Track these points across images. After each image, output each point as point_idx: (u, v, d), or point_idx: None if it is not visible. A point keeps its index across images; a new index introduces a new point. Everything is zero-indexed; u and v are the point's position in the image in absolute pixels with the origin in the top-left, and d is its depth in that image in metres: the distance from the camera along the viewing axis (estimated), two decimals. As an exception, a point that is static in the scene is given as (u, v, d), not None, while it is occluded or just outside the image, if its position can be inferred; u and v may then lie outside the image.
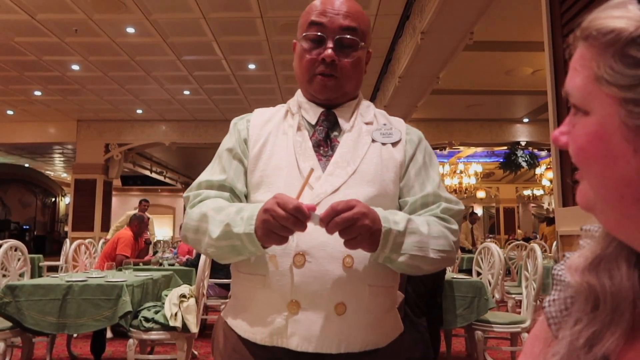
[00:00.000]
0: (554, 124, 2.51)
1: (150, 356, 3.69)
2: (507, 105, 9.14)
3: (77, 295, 3.03)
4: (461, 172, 12.47)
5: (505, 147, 10.51)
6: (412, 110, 7.38)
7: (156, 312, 3.17)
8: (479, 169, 12.31)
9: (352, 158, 1.05)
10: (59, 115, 10.13)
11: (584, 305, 0.44)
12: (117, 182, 12.82)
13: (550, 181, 10.76)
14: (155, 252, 7.72)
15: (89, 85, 8.18)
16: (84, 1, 5.36)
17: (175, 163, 15.05)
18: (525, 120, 10.09)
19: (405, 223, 0.94)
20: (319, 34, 1.06)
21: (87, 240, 5.12)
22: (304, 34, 1.09)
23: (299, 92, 1.16)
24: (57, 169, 17.36)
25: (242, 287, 1.05)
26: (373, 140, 1.08)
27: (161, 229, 18.25)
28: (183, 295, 3.22)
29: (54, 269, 7.11)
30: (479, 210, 17.25)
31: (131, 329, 3.16)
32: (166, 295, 3.32)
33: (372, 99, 8.04)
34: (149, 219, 6.15)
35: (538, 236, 13.40)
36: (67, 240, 7.26)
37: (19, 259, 3.71)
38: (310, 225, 0.88)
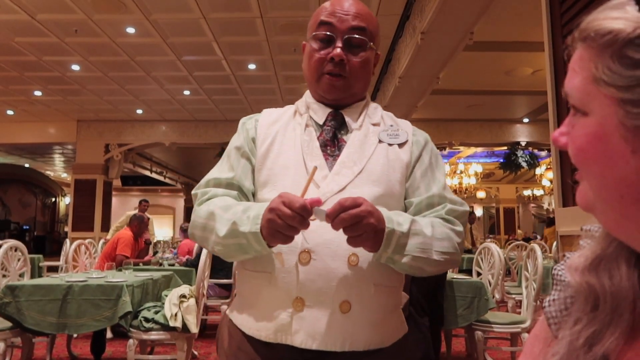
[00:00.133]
0: (554, 124, 2.51)
1: (150, 356, 3.69)
2: (507, 105, 9.14)
3: (77, 296, 3.03)
4: (461, 172, 12.47)
5: (505, 147, 10.51)
6: (412, 111, 7.39)
7: (156, 313, 3.17)
8: (479, 169, 12.31)
9: (359, 158, 1.05)
10: (59, 116, 10.13)
11: (584, 305, 0.44)
12: (117, 183, 12.83)
13: (550, 181, 10.76)
14: (155, 253, 7.72)
15: (89, 85, 8.19)
16: (84, 1, 5.36)
17: (175, 163, 15.05)
18: (525, 120, 10.09)
19: (409, 224, 0.94)
20: (328, 33, 1.07)
21: (87, 241, 5.12)
22: (313, 34, 1.10)
23: (307, 93, 1.17)
24: (57, 169, 17.37)
25: (248, 284, 1.06)
26: (380, 141, 1.09)
27: (161, 229, 18.25)
28: (183, 296, 3.22)
29: (54, 269, 7.12)
30: (479, 211, 17.26)
31: (131, 329, 3.16)
32: (166, 296, 3.32)
33: (372, 99, 8.04)
34: (148, 219, 6.15)
35: (538, 236, 13.41)
36: (67, 241, 7.26)
37: (19, 259, 3.71)
38: (316, 222, 0.89)
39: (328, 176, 1.03)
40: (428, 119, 9.51)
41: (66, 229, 15.15)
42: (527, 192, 16.72)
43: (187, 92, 8.59)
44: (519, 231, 16.47)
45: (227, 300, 4.83)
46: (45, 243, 18.62)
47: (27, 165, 16.44)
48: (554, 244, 5.39)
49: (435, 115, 9.43)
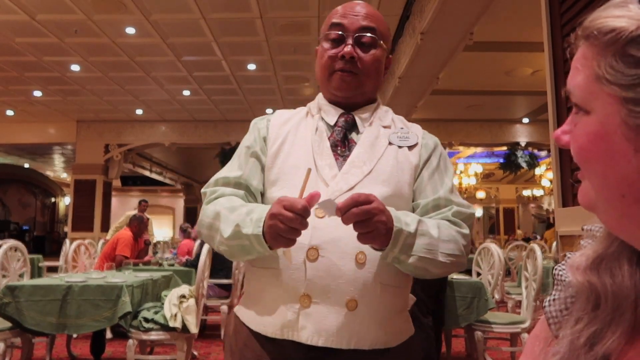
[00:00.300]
0: (553, 125, 2.51)
1: (150, 357, 3.68)
2: (506, 105, 9.15)
3: (76, 296, 3.03)
4: (461, 172, 12.47)
5: (505, 148, 10.51)
6: (412, 111, 7.39)
7: (156, 313, 3.17)
8: (478, 169, 12.31)
9: (369, 158, 1.07)
10: (59, 116, 10.13)
11: (585, 305, 0.44)
12: (116, 183, 12.83)
13: (550, 182, 10.77)
14: (154, 253, 7.72)
15: (88, 85, 8.18)
16: (84, 2, 5.36)
17: (175, 163, 15.04)
18: (525, 120, 10.09)
19: (416, 224, 0.95)
20: (339, 32, 1.10)
21: (86, 241, 5.12)
22: (324, 34, 1.13)
23: (319, 95, 1.19)
24: (57, 170, 17.36)
25: (256, 281, 1.07)
26: (390, 143, 1.11)
27: (161, 230, 18.24)
28: (183, 296, 3.21)
29: (53, 270, 7.11)
30: (479, 211, 17.26)
31: (131, 329, 3.16)
32: (166, 296, 3.32)
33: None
34: (148, 219, 6.15)
35: (538, 237, 13.40)
36: (67, 241, 7.25)
37: (18, 260, 3.70)
38: (324, 220, 0.90)
39: (337, 175, 1.04)
40: (428, 119, 9.51)
41: (66, 229, 15.14)
42: (526, 193, 16.71)
43: (186, 93, 8.59)
44: (518, 231, 16.47)
45: (227, 301, 4.83)
46: (44, 243, 18.61)
47: (26, 165, 16.43)
48: (554, 244, 5.39)
49: (435, 115, 9.43)
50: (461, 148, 11.09)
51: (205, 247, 3.47)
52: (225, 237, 0.98)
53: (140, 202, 7.67)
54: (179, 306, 3.13)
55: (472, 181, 12.46)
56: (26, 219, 19.21)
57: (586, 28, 0.42)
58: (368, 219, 0.87)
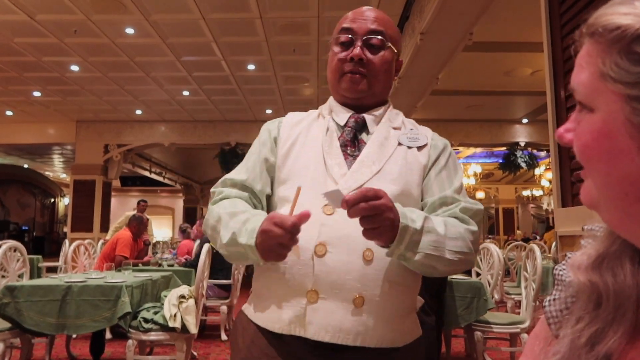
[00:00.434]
0: (553, 125, 2.51)
1: (150, 357, 3.68)
2: (506, 105, 9.15)
3: (76, 296, 3.03)
4: (460, 172, 12.45)
5: (505, 148, 10.51)
6: (412, 111, 7.39)
7: (155, 313, 3.17)
8: (478, 169, 12.32)
9: (378, 158, 1.08)
10: (58, 116, 10.12)
11: (586, 304, 0.43)
12: (116, 183, 12.81)
13: (550, 182, 10.77)
14: (154, 253, 7.71)
15: (88, 86, 8.18)
16: (83, 2, 5.36)
17: (175, 164, 15.03)
18: (525, 120, 10.09)
19: (422, 222, 0.94)
20: (349, 36, 1.13)
21: (86, 241, 5.11)
22: (334, 38, 1.16)
23: (331, 98, 1.21)
24: (56, 170, 17.35)
25: (264, 277, 1.07)
26: (399, 144, 1.12)
27: (160, 230, 18.24)
28: (182, 296, 3.21)
29: (53, 270, 7.10)
30: (478, 211, 17.22)
31: (130, 329, 3.15)
32: (165, 296, 3.32)
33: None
34: (147, 219, 6.15)
35: (538, 237, 13.40)
36: (66, 241, 7.25)
37: (18, 260, 3.70)
38: (333, 217, 0.89)
39: (347, 174, 1.06)
40: (427, 119, 9.50)
41: (65, 229, 15.13)
42: (526, 193, 16.73)
43: (186, 93, 8.59)
44: (518, 231, 16.48)
45: (227, 301, 4.83)
46: (44, 244, 18.61)
47: (26, 165, 16.42)
48: (553, 244, 5.39)
49: (434, 115, 9.43)
50: (461, 148, 11.09)
51: (205, 248, 3.47)
52: (224, 243, 1.02)
53: (139, 202, 7.66)
54: (178, 306, 3.13)
55: (472, 181, 12.46)
56: (25, 220, 19.20)
57: (591, 25, 0.41)
58: (375, 215, 0.86)
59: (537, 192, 15.47)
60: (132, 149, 10.67)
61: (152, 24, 5.84)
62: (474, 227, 1.03)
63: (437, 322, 3.15)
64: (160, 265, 5.54)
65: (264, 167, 1.14)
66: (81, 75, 7.67)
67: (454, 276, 3.60)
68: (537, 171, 11.61)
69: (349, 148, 1.11)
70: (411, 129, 1.16)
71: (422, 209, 1.09)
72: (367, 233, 0.88)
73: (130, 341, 3.15)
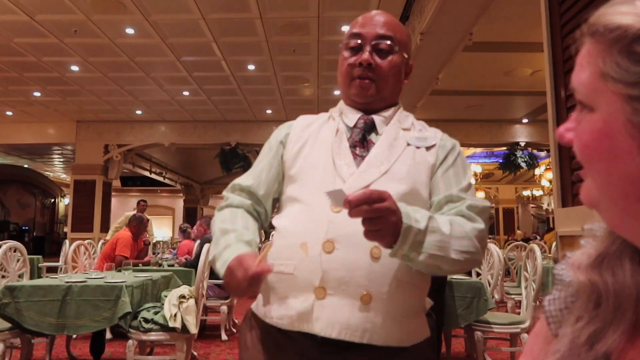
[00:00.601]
0: (553, 125, 2.51)
1: (150, 357, 3.68)
2: (506, 105, 9.15)
3: (76, 296, 3.03)
4: (460, 172, 12.46)
5: (505, 148, 10.51)
6: (412, 111, 7.26)
7: (155, 313, 3.17)
8: (478, 169, 12.32)
9: (386, 158, 1.09)
10: (58, 116, 10.12)
11: (586, 303, 0.43)
12: (116, 183, 12.81)
13: (550, 182, 10.77)
14: (154, 253, 7.71)
15: (88, 86, 8.18)
16: (83, 2, 5.36)
17: (175, 164, 15.03)
18: (525, 120, 10.09)
19: (426, 221, 0.93)
20: (358, 42, 1.14)
21: (86, 241, 5.11)
22: (344, 43, 1.18)
23: (341, 101, 1.23)
24: (57, 170, 17.36)
25: (273, 276, 1.08)
26: (408, 144, 1.13)
27: (160, 230, 18.24)
28: (182, 296, 3.21)
29: (53, 270, 7.10)
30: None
31: (130, 329, 3.15)
32: (165, 296, 3.32)
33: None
34: (148, 220, 6.15)
35: (538, 237, 13.40)
36: (67, 241, 7.25)
37: (18, 260, 3.70)
38: (341, 215, 0.89)
39: (354, 173, 1.07)
40: (427, 119, 9.34)
41: (65, 229, 15.14)
42: (526, 193, 16.73)
43: (186, 93, 8.59)
44: (518, 231, 16.48)
45: (227, 301, 4.83)
46: (44, 244, 18.61)
47: (26, 165, 16.43)
48: (554, 244, 5.39)
49: (434, 115, 9.43)
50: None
51: (205, 247, 3.47)
52: (210, 259, 1.10)
53: (139, 202, 7.66)
54: (178, 306, 3.13)
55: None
56: (26, 220, 19.20)
57: (592, 25, 0.41)
58: (378, 218, 0.85)
59: (537, 192, 15.47)
60: (132, 149, 10.67)
61: (152, 24, 5.84)
62: (481, 225, 1.02)
63: (437, 322, 3.15)
64: (160, 265, 5.54)
65: (269, 173, 1.18)
66: (81, 75, 7.68)
67: (454, 276, 3.60)
68: (537, 171, 11.61)
69: (357, 149, 1.12)
70: (420, 130, 1.17)
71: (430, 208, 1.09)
72: (369, 234, 0.87)
73: (130, 341, 3.15)
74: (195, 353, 3.99)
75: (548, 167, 11.18)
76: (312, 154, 1.13)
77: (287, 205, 1.14)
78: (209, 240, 5.15)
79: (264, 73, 7.52)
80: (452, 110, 9.27)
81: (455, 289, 3.36)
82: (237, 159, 10.19)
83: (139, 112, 9.82)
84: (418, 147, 1.12)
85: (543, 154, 11.00)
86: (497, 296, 4.41)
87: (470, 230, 0.99)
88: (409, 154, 1.11)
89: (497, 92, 8.12)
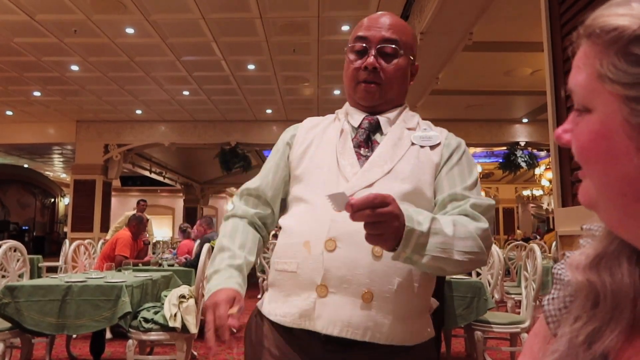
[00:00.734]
0: (553, 124, 2.51)
1: (150, 357, 3.68)
2: (506, 105, 9.15)
3: (76, 296, 3.03)
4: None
5: (505, 148, 10.52)
6: (412, 111, 7.39)
7: (155, 313, 3.17)
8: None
9: (390, 158, 1.09)
10: (58, 116, 10.12)
11: (584, 303, 0.44)
12: (116, 183, 12.82)
13: (550, 181, 10.77)
14: (154, 253, 7.71)
15: (88, 85, 8.18)
16: (83, 2, 5.36)
17: (175, 163, 15.03)
18: (525, 120, 10.09)
19: (429, 223, 0.91)
20: (363, 45, 1.15)
21: (86, 241, 5.11)
22: (349, 46, 1.18)
23: (347, 102, 1.24)
24: (57, 170, 17.36)
25: (277, 274, 1.10)
26: (412, 144, 1.13)
27: (160, 230, 18.24)
28: (182, 296, 3.21)
29: (53, 270, 7.11)
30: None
31: (130, 329, 3.15)
32: (165, 296, 3.32)
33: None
34: (147, 219, 6.15)
35: (538, 237, 13.40)
36: (67, 241, 7.25)
37: (18, 260, 3.70)
38: (342, 213, 0.90)
39: (358, 173, 1.08)
40: (427, 119, 9.47)
41: (65, 229, 15.14)
42: (526, 192, 16.73)
43: (186, 93, 8.59)
44: (518, 231, 16.49)
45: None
46: (44, 243, 18.62)
47: (26, 165, 16.42)
48: (553, 243, 5.40)
49: (434, 115, 9.43)
50: (461, 148, 11.08)
51: (205, 247, 3.47)
52: (207, 275, 1.15)
53: (138, 202, 7.66)
54: (178, 306, 3.13)
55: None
56: (25, 219, 19.21)
57: (588, 26, 0.42)
58: (380, 223, 0.84)
59: (537, 192, 15.47)
60: (132, 148, 10.67)
61: (152, 23, 5.84)
62: (485, 224, 1.01)
63: (436, 322, 3.15)
64: (160, 265, 5.54)
65: (276, 174, 1.21)
66: (81, 75, 7.68)
67: (454, 275, 3.60)
68: (537, 171, 11.60)
69: (362, 149, 1.13)
70: (425, 129, 1.16)
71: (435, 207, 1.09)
72: (371, 238, 0.86)
73: (130, 341, 3.15)
74: (195, 353, 3.99)
75: (548, 166, 11.19)
76: (317, 154, 1.15)
77: (293, 205, 1.15)
78: (209, 240, 5.16)
79: (264, 73, 7.52)
80: (452, 110, 9.27)
81: (455, 288, 3.36)
82: (237, 159, 10.19)
83: (139, 112, 9.81)
84: (422, 147, 1.12)
85: (543, 153, 11.00)
86: (497, 296, 4.41)
87: (474, 230, 0.98)
88: (413, 153, 1.11)
89: (497, 91, 8.12)
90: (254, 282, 7.46)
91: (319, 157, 1.14)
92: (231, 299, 1.02)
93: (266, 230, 1.23)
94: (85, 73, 7.55)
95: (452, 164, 1.11)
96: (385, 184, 1.05)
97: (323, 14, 5.60)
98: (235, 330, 0.99)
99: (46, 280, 3.37)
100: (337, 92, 8.28)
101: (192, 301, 3.20)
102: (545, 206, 18.76)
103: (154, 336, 3.13)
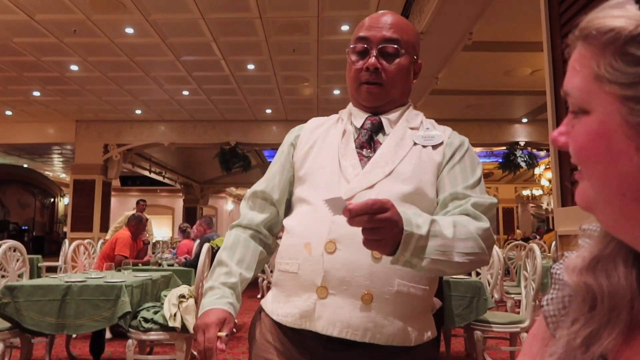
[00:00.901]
0: (553, 124, 2.51)
1: (150, 356, 3.68)
2: (506, 105, 9.15)
3: (76, 296, 3.03)
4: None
5: (504, 147, 10.51)
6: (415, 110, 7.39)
7: (155, 313, 3.17)
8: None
9: (392, 159, 1.09)
10: (58, 116, 10.12)
11: (582, 305, 0.44)
12: (116, 183, 12.82)
13: (549, 181, 10.77)
14: (154, 253, 7.71)
15: (88, 85, 8.18)
16: (82, 2, 5.35)
17: (174, 163, 15.03)
18: (524, 120, 10.09)
19: (428, 226, 0.90)
20: (364, 46, 1.14)
21: (86, 241, 5.11)
22: (351, 47, 1.18)
23: (350, 103, 1.24)
24: (56, 170, 17.35)
25: (280, 274, 1.11)
26: (415, 144, 1.12)
27: (160, 230, 18.24)
28: (182, 296, 3.21)
29: (52, 270, 7.11)
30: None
31: (130, 329, 3.15)
32: (165, 296, 3.32)
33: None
34: (147, 219, 6.14)
35: (537, 237, 13.41)
36: (66, 241, 7.25)
37: (17, 260, 3.70)
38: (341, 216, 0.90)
39: (359, 174, 1.08)
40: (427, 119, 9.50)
41: (65, 229, 15.13)
42: (526, 192, 16.74)
43: (186, 93, 8.58)
44: (518, 231, 16.49)
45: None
46: (44, 243, 18.62)
47: (25, 165, 16.42)
48: (553, 243, 5.40)
49: (434, 115, 9.21)
50: (460, 148, 11.08)
51: (205, 247, 3.47)
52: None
53: (138, 202, 7.66)
54: (178, 306, 3.13)
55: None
56: (25, 219, 19.20)
57: (584, 28, 0.42)
58: (379, 228, 0.83)
59: (537, 192, 15.48)
60: (132, 148, 10.66)
61: (152, 23, 5.84)
62: (486, 224, 1.00)
63: (436, 322, 3.15)
64: (160, 265, 5.54)
65: (282, 176, 1.21)
66: (81, 75, 7.67)
67: (454, 275, 3.60)
68: (537, 171, 11.60)
69: (364, 149, 1.13)
70: (427, 128, 1.16)
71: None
72: (368, 243, 0.85)
73: (130, 341, 3.15)
74: (195, 353, 3.99)
75: (548, 166, 11.19)
76: (320, 155, 1.15)
77: (296, 206, 1.16)
78: (208, 240, 5.15)
79: (263, 73, 7.52)
80: (451, 110, 9.27)
81: (454, 288, 3.36)
82: (237, 159, 10.19)
83: (138, 111, 9.81)
84: (425, 146, 1.12)
85: (543, 153, 11.00)
86: (496, 296, 4.41)
87: (475, 229, 0.97)
88: (415, 153, 1.10)
89: (497, 91, 8.12)
90: (254, 281, 7.46)
91: (321, 158, 1.14)
92: (221, 320, 1.05)
93: (273, 236, 1.24)
94: (85, 73, 7.54)
95: (454, 162, 1.11)
96: (386, 185, 1.04)
97: (323, 13, 5.60)
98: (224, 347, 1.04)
99: (46, 280, 3.37)
100: (337, 92, 8.28)
101: (191, 301, 3.20)
102: (544, 206, 18.76)
103: (153, 336, 3.13)
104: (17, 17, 5.66)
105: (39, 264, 7.12)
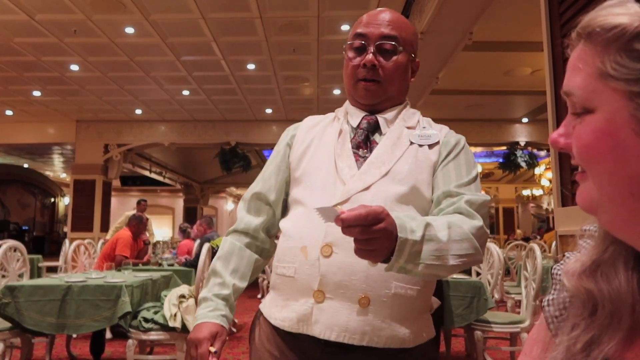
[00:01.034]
0: (553, 124, 2.51)
1: (150, 356, 3.68)
2: (506, 105, 9.15)
3: (76, 296, 3.03)
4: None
5: (505, 147, 10.51)
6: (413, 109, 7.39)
7: (155, 313, 3.17)
8: (478, 169, 12.31)
9: (388, 159, 1.08)
10: (58, 116, 10.12)
11: (582, 310, 0.43)
12: (116, 183, 12.81)
13: (550, 181, 10.77)
14: (154, 253, 7.71)
15: (88, 85, 8.18)
16: (83, 1, 5.35)
17: (175, 163, 15.03)
18: (525, 120, 10.09)
19: (422, 230, 0.88)
20: (362, 42, 1.13)
21: (86, 241, 5.11)
22: (348, 43, 1.16)
23: (347, 101, 1.23)
24: (56, 170, 17.35)
25: (277, 278, 1.11)
26: (411, 143, 1.11)
27: (160, 230, 18.23)
28: (182, 296, 3.21)
29: (53, 270, 7.11)
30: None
31: (130, 329, 3.15)
32: (165, 296, 3.32)
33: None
34: (147, 219, 6.14)
35: (538, 237, 13.40)
36: (67, 241, 7.24)
37: (18, 260, 3.70)
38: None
39: (355, 175, 1.06)
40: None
41: (65, 229, 15.13)
42: (526, 192, 16.73)
43: (186, 92, 8.58)
44: (518, 231, 16.47)
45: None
46: (44, 243, 18.62)
47: (26, 165, 16.42)
48: (553, 243, 5.40)
49: (434, 115, 9.21)
50: (461, 148, 11.08)
51: (205, 247, 3.47)
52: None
53: (139, 202, 7.66)
54: (178, 306, 3.13)
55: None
56: (25, 219, 19.21)
57: (586, 27, 0.42)
58: (373, 239, 0.81)
59: (537, 192, 15.47)
60: (132, 148, 10.66)
61: (152, 23, 5.84)
62: (479, 222, 0.98)
63: (436, 322, 3.15)
64: (160, 265, 5.55)
65: (278, 176, 1.20)
66: (81, 75, 7.67)
67: (454, 276, 3.60)
68: (537, 170, 11.60)
69: (361, 150, 1.11)
70: (424, 127, 1.15)
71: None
72: (361, 253, 0.82)
73: (130, 341, 3.15)
74: (195, 353, 3.99)
75: (548, 166, 11.19)
76: (316, 155, 1.14)
77: (292, 208, 1.15)
78: (209, 240, 5.15)
79: (263, 72, 7.52)
80: (452, 110, 9.27)
81: (454, 288, 3.36)
82: (237, 159, 10.19)
83: (138, 111, 9.81)
84: (421, 145, 1.11)
85: (543, 153, 10.99)
86: (497, 295, 4.41)
87: (469, 229, 0.96)
88: (411, 152, 1.09)
89: (497, 91, 8.11)
90: (254, 281, 7.45)
91: (317, 159, 1.13)
92: (213, 334, 1.05)
93: (270, 238, 1.22)
94: (85, 73, 7.54)
95: (448, 160, 1.10)
96: (382, 187, 1.04)
97: (323, 13, 5.60)
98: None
99: (46, 280, 3.37)
100: (337, 91, 8.28)
101: (192, 301, 3.20)
102: (545, 206, 18.76)
103: (153, 336, 3.13)
104: (18, 17, 5.66)
105: (39, 264, 7.12)
